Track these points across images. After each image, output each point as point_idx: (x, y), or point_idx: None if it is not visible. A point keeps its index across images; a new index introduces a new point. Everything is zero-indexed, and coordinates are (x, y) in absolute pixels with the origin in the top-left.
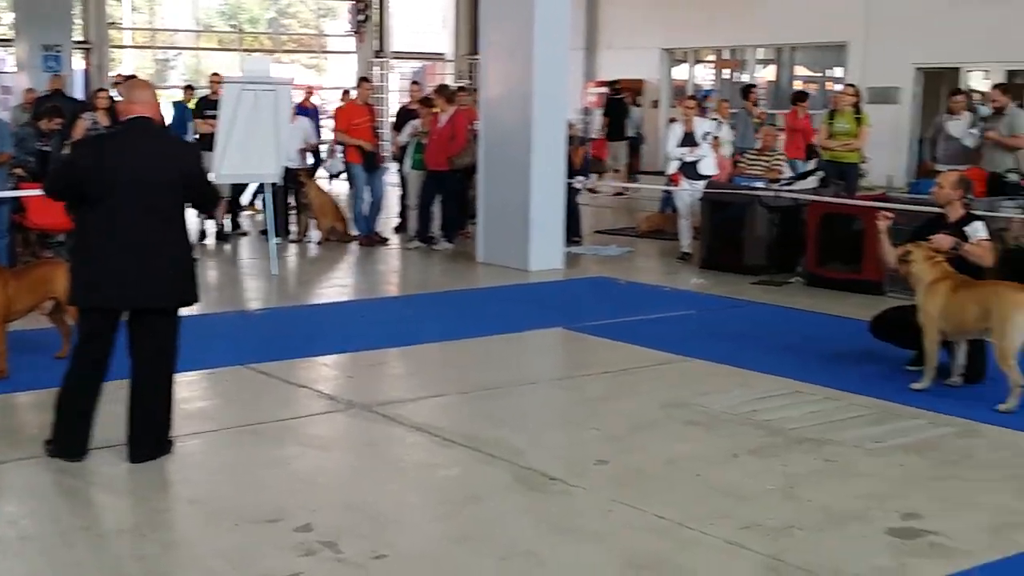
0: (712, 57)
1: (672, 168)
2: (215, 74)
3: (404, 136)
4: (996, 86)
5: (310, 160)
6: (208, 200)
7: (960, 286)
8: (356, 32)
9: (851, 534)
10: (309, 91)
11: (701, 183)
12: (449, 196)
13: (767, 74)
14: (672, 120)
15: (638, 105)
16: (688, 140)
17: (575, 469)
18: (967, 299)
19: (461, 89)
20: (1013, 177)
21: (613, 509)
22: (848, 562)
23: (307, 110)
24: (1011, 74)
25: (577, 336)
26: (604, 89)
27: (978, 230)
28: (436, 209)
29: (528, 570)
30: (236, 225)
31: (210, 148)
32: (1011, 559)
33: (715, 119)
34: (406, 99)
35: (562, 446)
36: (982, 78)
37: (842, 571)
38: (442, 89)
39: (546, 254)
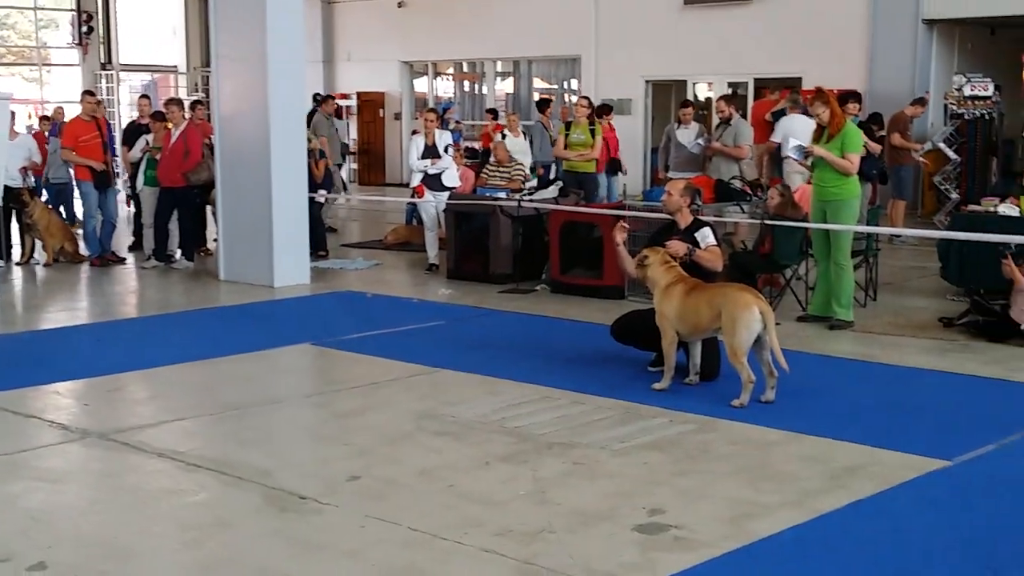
0: (451, 70)
1: (415, 180)
2: None
3: (136, 152)
4: (721, 97)
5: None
6: None
7: (693, 289)
8: (79, 43)
9: (601, 533)
10: (59, 109)
11: (445, 194)
12: (186, 213)
13: (506, 87)
14: (414, 132)
15: (339, 117)
16: (430, 152)
17: (327, 487)
18: (699, 301)
19: (196, 102)
20: (737, 184)
21: (366, 525)
22: (598, 561)
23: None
24: (734, 86)
25: (325, 352)
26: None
27: (707, 236)
28: (173, 227)
29: None
30: None
31: None
32: (748, 547)
33: (454, 130)
34: (136, 114)
35: (313, 464)
36: (707, 90)
37: (593, 570)
38: (174, 103)
39: (291, 270)
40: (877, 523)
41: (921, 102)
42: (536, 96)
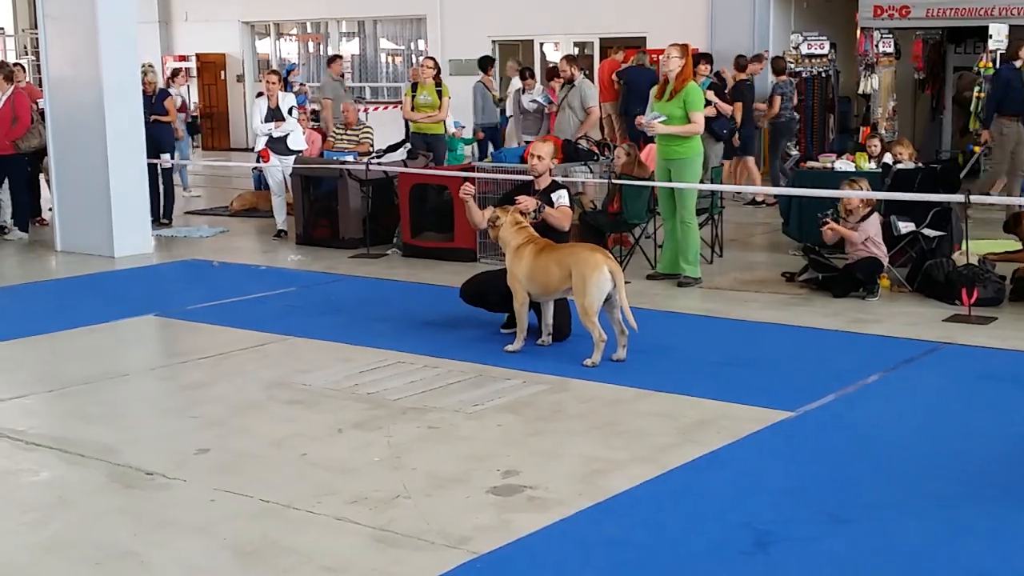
0: (295, 30)
1: (260, 144)
2: None
3: None
4: (564, 57)
5: None
6: None
7: (544, 250)
8: None
9: (456, 497)
10: None
11: (291, 158)
12: (18, 182)
13: (352, 48)
14: (258, 95)
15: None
16: (274, 115)
17: (174, 461)
18: (550, 261)
19: (16, 65)
20: (584, 144)
21: (216, 498)
22: (454, 524)
23: None
24: (580, 45)
25: (171, 323)
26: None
27: (562, 196)
28: (4, 196)
29: (129, 572)
30: None
31: None
32: (601, 504)
33: (298, 92)
34: None
35: (160, 438)
36: (554, 50)
37: (449, 534)
38: (0, 67)
39: (132, 239)
40: (725, 475)
41: (758, 59)
42: (384, 56)
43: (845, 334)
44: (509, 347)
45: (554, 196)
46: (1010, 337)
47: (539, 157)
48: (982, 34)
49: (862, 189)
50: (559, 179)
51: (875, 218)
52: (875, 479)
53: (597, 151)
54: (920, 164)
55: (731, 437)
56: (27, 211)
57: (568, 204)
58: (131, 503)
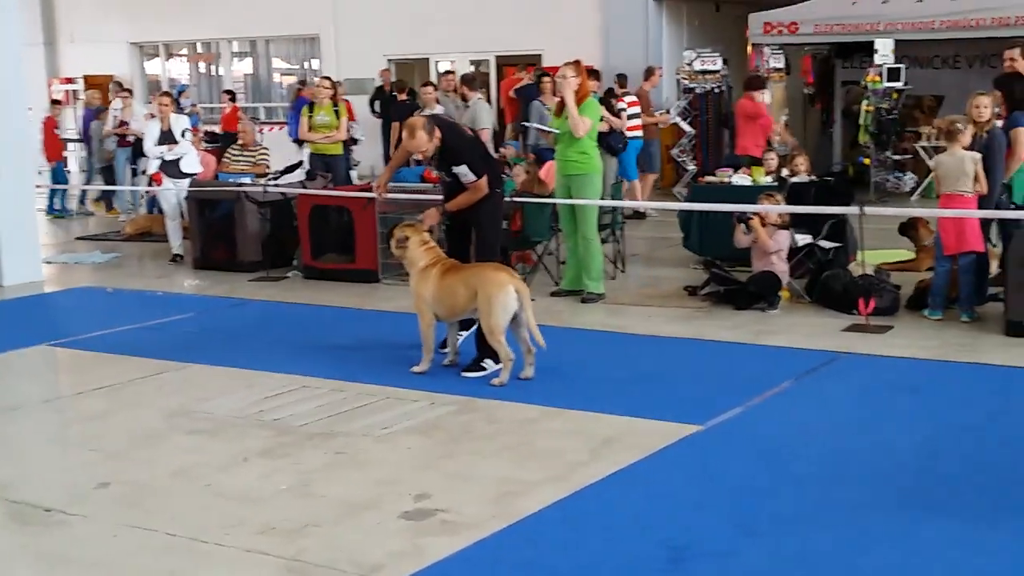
0: (186, 51)
1: (153, 167)
2: None
3: None
4: (461, 77)
5: None
6: None
7: (449, 270)
8: None
9: (367, 523)
10: None
11: (185, 181)
12: None
13: (244, 67)
14: (150, 117)
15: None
16: (166, 137)
17: (73, 496)
18: (456, 282)
19: None
20: None
21: (119, 533)
22: (366, 551)
23: None
24: (476, 63)
25: (65, 352)
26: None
27: (466, 173)
28: None
29: None
30: None
31: None
32: (514, 526)
33: (190, 114)
34: None
35: (57, 472)
36: (450, 67)
37: (360, 562)
38: None
39: (21, 266)
40: (637, 491)
41: (651, 72)
42: (278, 76)
43: (749, 346)
44: (416, 368)
45: (458, 172)
46: (906, 345)
47: (410, 138)
48: (869, 49)
49: (779, 203)
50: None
51: (786, 233)
52: (785, 490)
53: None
54: (814, 177)
55: (641, 453)
56: None
57: (475, 177)
58: (29, 540)
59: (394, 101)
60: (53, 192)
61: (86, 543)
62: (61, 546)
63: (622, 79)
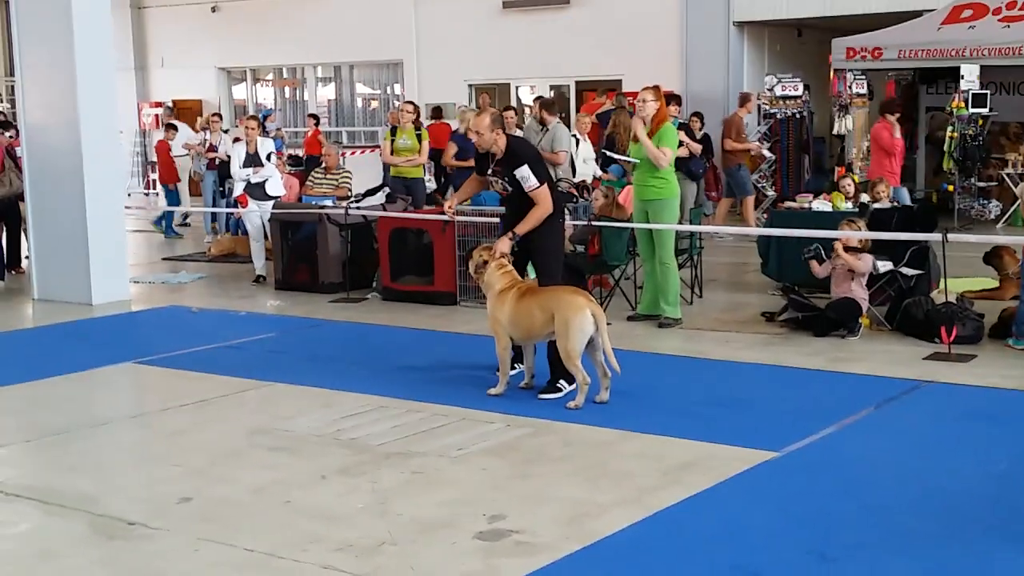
0: (271, 76)
1: (238, 189)
2: None
3: None
4: (538, 100)
5: None
6: None
7: (526, 293)
8: None
9: (442, 542)
10: None
11: (269, 204)
12: None
13: (328, 92)
14: (236, 140)
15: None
16: (252, 160)
17: (156, 510)
18: (532, 305)
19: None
20: (563, 186)
21: (200, 548)
22: (441, 571)
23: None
24: (556, 88)
25: (150, 370)
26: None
27: (527, 178)
28: None
29: None
30: None
31: None
32: (589, 548)
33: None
34: None
35: (141, 487)
36: (530, 93)
37: None
38: None
39: (110, 286)
40: (712, 516)
41: (746, 98)
42: (360, 101)
43: (827, 373)
44: (492, 390)
45: (519, 175)
46: (989, 375)
47: (477, 132)
48: (954, 74)
49: (861, 229)
50: (515, 148)
51: (868, 258)
52: (861, 518)
53: (576, 193)
54: (896, 203)
55: (716, 478)
56: (2, 259)
57: (536, 184)
58: (114, 554)
59: None
60: (168, 213)
61: (168, 557)
62: (144, 559)
63: (699, 116)
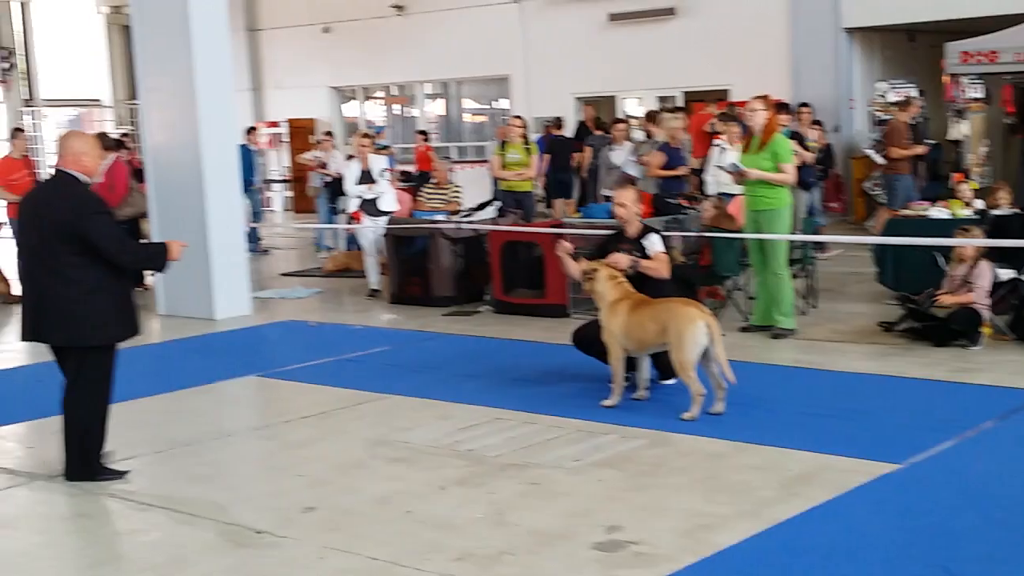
0: (381, 94)
1: (352, 206)
2: None
3: None
4: (647, 114)
5: None
6: (113, 256)
7: (639, 305)
8: (2, 81)
9: (560, 553)
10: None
11: (383, 219)
12: None
13: (436, 108)
14: (349, 158)
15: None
16: (365, 177)
17: (282, 519)
18: (645, 317)
19: (125, 135)
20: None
21: (325, 556)
22: None
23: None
24: (664, 100)
25: (272, 383)
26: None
27: (655, 243)
28: None
29: None
30: None
31: None
32: (708, 559)
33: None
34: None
35: (267, 497)
36: (636, 105)
37: None
38: (99, 137)
39: (232, 301)
40: (833, 529)
41: (907, 102)
42: (467, 116)
43: (948, 384)
44: (606, 402)
45: (646, 243)
46: None
47: (621, 204)
48: None
49: (976, 236)
50: (652, 224)
51: (985, 265)
52: (988, 532)
53: (687, 204)
54: (1018, 209)
55: (836, 490)
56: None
57: (663, 249)
58: (242, 561)
59: (590, 134)
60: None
61: (295, 564)
62: (272, 566)
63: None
